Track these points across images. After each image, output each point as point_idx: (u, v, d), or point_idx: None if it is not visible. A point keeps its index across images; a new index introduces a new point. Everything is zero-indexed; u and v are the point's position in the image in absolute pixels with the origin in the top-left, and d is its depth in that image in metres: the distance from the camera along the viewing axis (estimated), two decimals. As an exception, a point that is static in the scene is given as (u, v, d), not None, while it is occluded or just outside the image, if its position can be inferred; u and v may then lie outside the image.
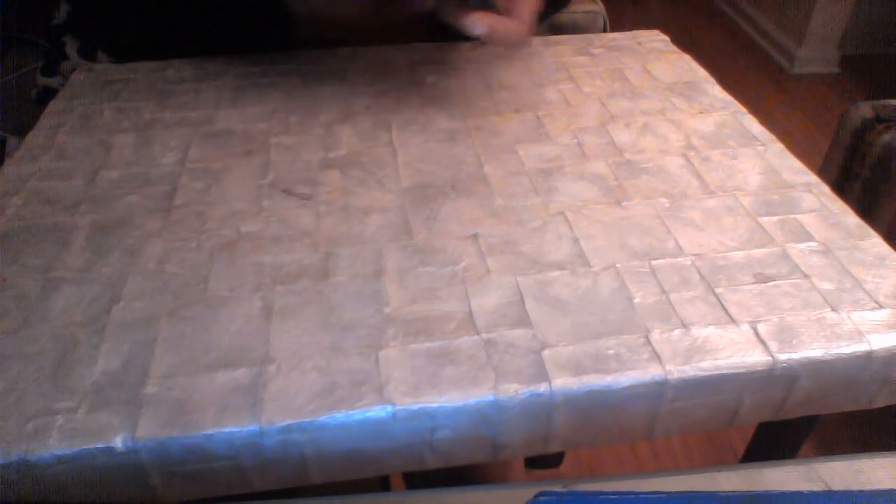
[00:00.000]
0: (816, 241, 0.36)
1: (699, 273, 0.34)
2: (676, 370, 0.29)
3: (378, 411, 0.27)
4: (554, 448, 0.30)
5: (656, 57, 0.56)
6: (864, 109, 1.08)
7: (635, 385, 0.29)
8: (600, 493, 0.27)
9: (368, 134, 0.46)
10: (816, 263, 0.35)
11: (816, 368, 0.30)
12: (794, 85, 2.42)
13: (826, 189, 0.40)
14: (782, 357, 0.30)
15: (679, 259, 0.35)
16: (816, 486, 0.29)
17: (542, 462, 1.08)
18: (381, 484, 0.81)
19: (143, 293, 0.33)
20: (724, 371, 0.29)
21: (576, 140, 0.45)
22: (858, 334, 0.31)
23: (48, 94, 0.57)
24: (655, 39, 0.59)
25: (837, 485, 0.29)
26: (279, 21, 0.52)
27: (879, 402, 0.33)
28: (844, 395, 0.32)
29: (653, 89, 0.51)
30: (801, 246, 0.36)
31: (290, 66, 0.54)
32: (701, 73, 0.54)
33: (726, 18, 2.93)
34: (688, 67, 0.55)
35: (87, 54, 0.58)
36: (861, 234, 0.37)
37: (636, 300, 0.32)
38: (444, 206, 0.39)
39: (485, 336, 0.31)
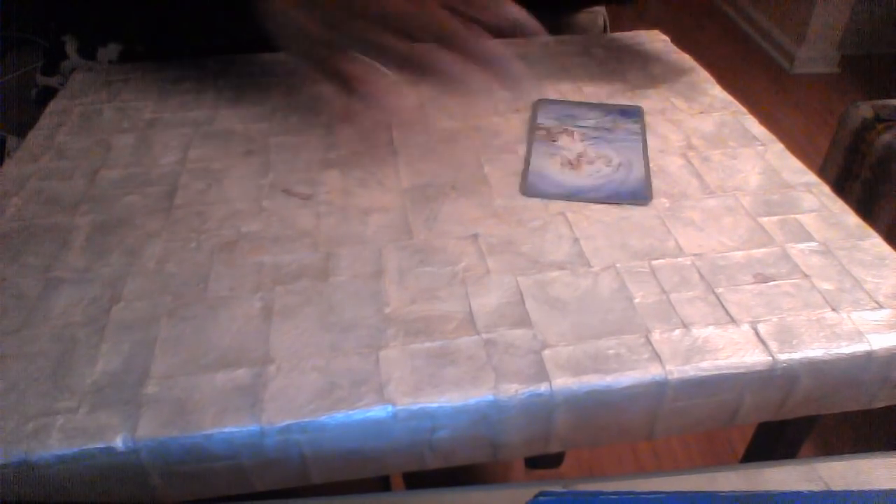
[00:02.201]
0: (816, 241, 0.36)
1: (699, 273, 0.34)
2: (676, 370, 0.29)
3: (378, 411, 0.27)
4: (554, 448, 0.30)
5: (656, 57, 0.56)
6: (864, 109, 1.08)
7: (635, 385, 0.29)
8: (600, 493, 0.27)
9: (368, 134, 0.46)
10: (816, 263, 0.35)
11: (816, 368, 0.30)
12: (794, 85, 2.42)
13: (826, 189, 0.40)
14: (782, 357, 0.30)
15: (679, 259, 0.35)
16: (816, 486, 0.29)
17: (542, 462, 1.08)
18: (381, 484, 0.81)
19: (143, 293, 0.33)
20: (725, 371, 0.29)
21: (576, 140, 0.45)
22: (858, 334, 0.31)
23: (48, 94, 0.57)
24: (655, 39, 0.59)
25: (837, 485, 0.29)
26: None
27: (879, 402, 0.33)
28: (844, 395, 0.32)
29: (653, 89, 0.51)
30: (801, 246, 0.36)
31: (290, 66, 0.54)
32: (701, 73, 0.54)
33: (726, 18, 2.93)
34: (688, 67, 0.55)
35: (87, 54, 0.58)
36: (861, 234, 0.37)
37: (636, 300, 0.32)
38: (444, 206, 0.39)
39: (485, 336, 0.31)
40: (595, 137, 0.43)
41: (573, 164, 0.40)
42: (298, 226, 0.37)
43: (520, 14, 0.40)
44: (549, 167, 0.40)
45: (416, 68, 0.39)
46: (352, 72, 0.40)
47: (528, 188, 0.39)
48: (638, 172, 0.40)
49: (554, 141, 0.43)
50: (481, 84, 0.39)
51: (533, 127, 0.45)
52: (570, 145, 0.43)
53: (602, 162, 0.41)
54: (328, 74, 0.41)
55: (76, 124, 0.47)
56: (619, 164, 0.40)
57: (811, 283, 0.34)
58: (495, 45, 0.39)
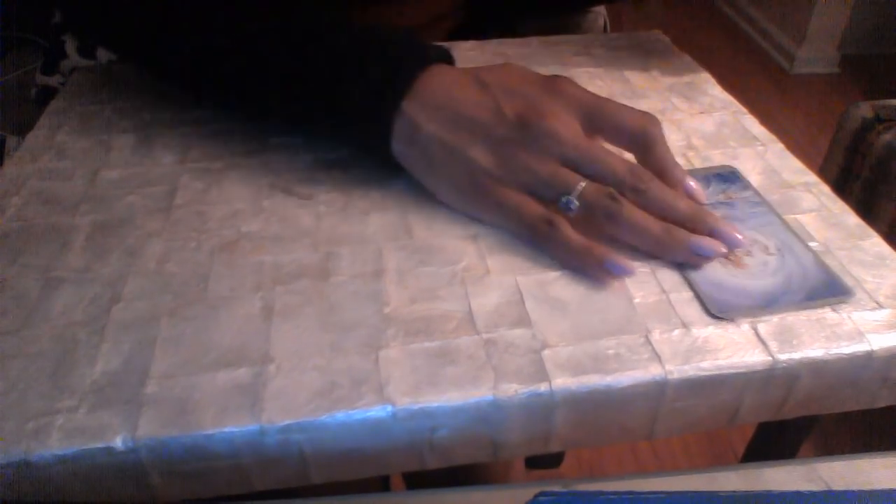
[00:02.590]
0: (816, 241, 0.36)
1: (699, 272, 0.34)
2: (676, 370, 0.29)
3: (378, 411, 0.27)
4: (554, 448, 0.30)
5: (656, 57, 0.56)
6: (864, 109, 1.08)
7: (635, 385, 0.29)
8: (600, 493, 0.27)
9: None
10: (816, 263, 0.35)
11: (817, 368, 0.30)
12: (794, 85, 2.42)
13: (826, 189, 0.40)
14: (782, 357, 0.30)
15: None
16: (816, 486, 0.29)
17: (542, 462, 1.08)
18: (382, 484, 0.81)
19: (143, 293, 0.33)
20: (725, 371, 0.29)
21: (576, 140, 0.45)
22: (859, 334, 0.31)
23: (48, 94, 0.57)
24: (655, 39, 0.59)
25: (837, 485, 0.29)
26: None
27: (880, 402, 0.33)
28: (845, 395, 0.32)
29: (653, 89, 0.51)
30: (802, 246, 0.36)
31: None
32: (701, 73, 0.54)
33: (726, 18, 2.93)
34: (688, 67, 0.55)
35: (87, 54, 0.58)
36: (861, 234, 0.37)
37: (636, 300, 0.32)
38: (445, 205, 0.39)
39: (485, 336, 0.31)
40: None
41: (732, 260, 0.34)
42: (298, 226, 0.37)
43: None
44: (709, 270, 0.34)
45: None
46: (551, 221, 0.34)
47: (719, 306, 0.32)
48: (805, 256, 0.34)
49: None
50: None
51: None
52: None
53: (759, 250, 0.35)
54: (499, 213, 0.36)
55: (76, 124, 0.47)
56: (779, 250, 0.35)
57: (811, 283, 0.34)
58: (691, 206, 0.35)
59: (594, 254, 0.33)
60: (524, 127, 0.35)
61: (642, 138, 0.36)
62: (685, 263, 0.34)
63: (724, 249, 0.34)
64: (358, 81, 0.37)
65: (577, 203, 0.34)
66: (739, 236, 0.34)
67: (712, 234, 0.34)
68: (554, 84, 0.37)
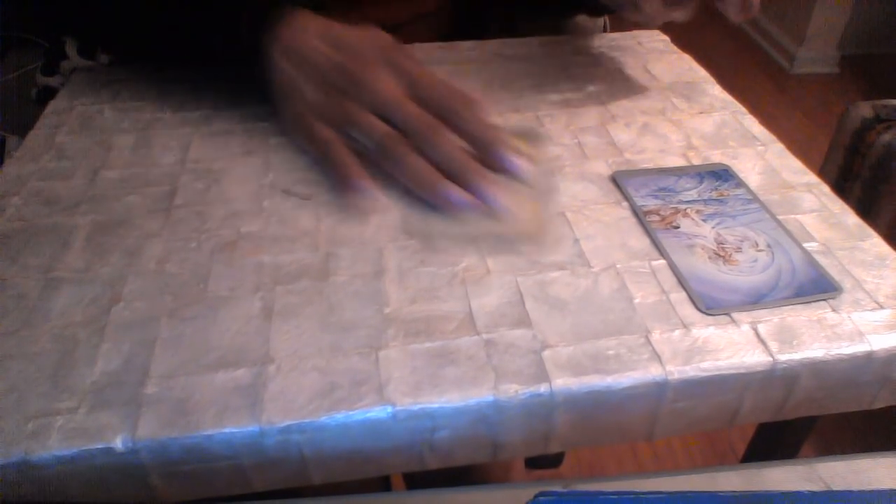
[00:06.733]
0: (816, 242, 0.36)
1: (699, 273, 0.34)
2: (677, 370, 0.29)
3: (378, 411, 0.27)
4: (554, 448, 0.30)
5: (656, 57, 0.56)
6: (864, 109, 1.08)
7: (635, 385, 0.29)
8: (600, 493, 0.27)
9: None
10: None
11: (817, 369, 0.30)
12: (794, 85, 2.42)
13: (826, 189, 0.40)
14: (783, 357, 0.30)
15: (679, 259, 0.35)
16: (816, 486, 0.29)
17: (542, 462, 1.08)
18: (382, 484, 0.81)
19: (143, 293, 0.33)
20: (725, 371, 0.29)
21: (576, 140, 0.45)
22: (859, 335, 0.31)
23: (48, 94, 0.57)
24: (655, 39, 0.59)
25: (837, 485, 0.29)
26: None
27: (880, 403, 0.33)
28: (845, 395, 0.32)
29: (653, 89, 0.51)
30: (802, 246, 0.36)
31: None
32: (701, 73, 0.54)
33: (726, 18, 2.93)
34: (688, 67, 0.55)
35: (88, 54, 0.58)
36: (861, 234, 0.37)
37: (636, 300, 0.32)
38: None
39: (485, 336, 0.31)
40: (714, 215, 0.38)
41: (723, 256, 0.34)
42: (298, 226, 0.37)
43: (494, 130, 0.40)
44: (700, 266, 0.34)
45: (387, 160, 0.39)
46: (333, 150, 0.40)
47: (709, 302, 0.32)
48: (795, 253, 0.35)
49: (675, 227, 0.37)
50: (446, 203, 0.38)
51: (637, 211, 0.38)
52: (697, 230, 0.36)
53: (749, 246, 0.35)
54: (309, 141, 0.42)
55: (76, 124, 0.47)
56: (769, 246, 0.35)
57: (811, 284, 0.33)
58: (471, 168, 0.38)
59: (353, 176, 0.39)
60: (351, 81, 0.41)
61: (448, 112, 0.40)
62: (446, 207, 0.37)
63: (466, 199, 0.37)
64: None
65: (372, 143, 0.40)
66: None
67: (473, 189, 0.37)
68: (391, 52, 0.42)
